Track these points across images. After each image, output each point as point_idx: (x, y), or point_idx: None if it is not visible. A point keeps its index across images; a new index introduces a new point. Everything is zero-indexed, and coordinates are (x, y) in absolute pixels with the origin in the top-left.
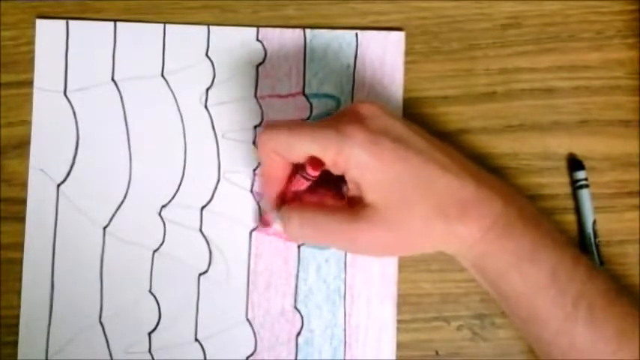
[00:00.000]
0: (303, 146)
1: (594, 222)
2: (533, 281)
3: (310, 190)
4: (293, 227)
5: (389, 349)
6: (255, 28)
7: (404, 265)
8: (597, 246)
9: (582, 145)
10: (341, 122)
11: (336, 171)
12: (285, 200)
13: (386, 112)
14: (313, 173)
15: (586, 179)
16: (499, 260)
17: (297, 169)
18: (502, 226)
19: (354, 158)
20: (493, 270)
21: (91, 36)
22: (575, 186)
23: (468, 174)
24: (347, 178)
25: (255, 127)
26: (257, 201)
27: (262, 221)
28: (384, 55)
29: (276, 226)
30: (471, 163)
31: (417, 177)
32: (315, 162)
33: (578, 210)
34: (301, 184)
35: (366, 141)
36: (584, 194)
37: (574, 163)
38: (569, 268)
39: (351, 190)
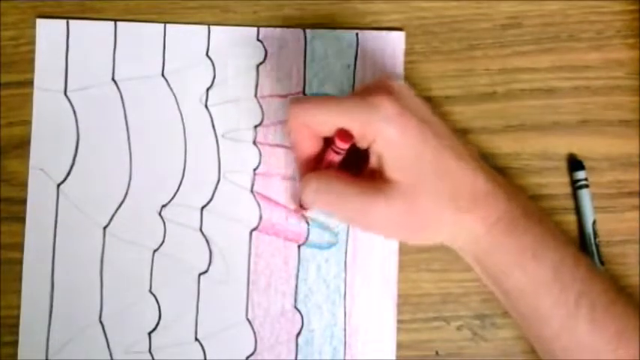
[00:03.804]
0: (331, 118)
1: (594, 222)
2: (536, 278)
3: (342, 166)
4: (309, 191)
5: (389, 349)
6: (255, 28)
7: (404, 265)
8: (597, 246)
9: (582, 145)
10: (370, 94)
11: (363, 143)
12: None
13: (413, 92)
14: (342, 146)
15: (586, 179)
16: (502, 256)
17: (329, 143)
18: (507, 222)
19: (381, 130)
20: (496, 265)
21: (91, 36)
22: (575, 186)
23: (480, 168)
24: (371, 150)
25: (256, 127)
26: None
27: (300, 205)
28: (384, 55)
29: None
30: (482, 160)
31: (435, 161)
32: (344, 134)
33: (578, 210)
34: (332, 158)
35: (394, 114)
36: (584, 194)
37: (574, 163)
38: (571, 267)
39: (372, 163)
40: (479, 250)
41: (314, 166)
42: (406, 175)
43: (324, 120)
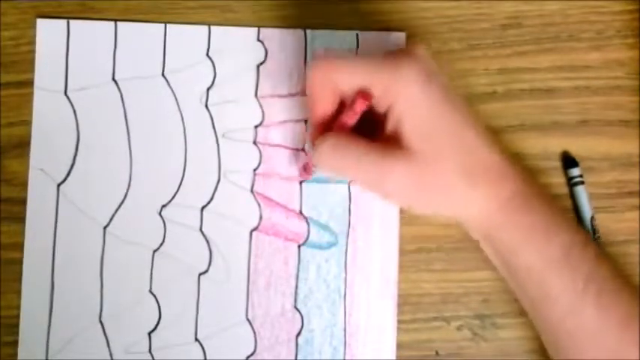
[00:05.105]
0: (355, 74)
1: (592, 218)
2: (546, 256)
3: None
4: (325, 150)
5: (389, 349)
6: (256, 28)
7: (404, 265)
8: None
9: (582, 145)
10: (396, 56)
11: (382, 105)
12: None
13: (436, 64)
14: (362, 105)
15: (581, 176)
16: (513, 234)
17: (344, 108)
18: (520, 200)
19: (405, 90)
20: (506, 243)
21: (91, 36)
22: (571, 183)
23: (497, 146)
24: (390, 113)
25: (256, 127)
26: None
27: (304, 168)
28: None
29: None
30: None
31: (453, 131)
32: (365, 94)
33: (575, 207)
34: (347, 120)
35: (421, 75)
36: (580, 191)
37: (567, 161)
38: (580, 249)
39: (389, 129)
40: (490, 226)
41: (326, 128)
42: (424, 142)
43: (348, 75)
